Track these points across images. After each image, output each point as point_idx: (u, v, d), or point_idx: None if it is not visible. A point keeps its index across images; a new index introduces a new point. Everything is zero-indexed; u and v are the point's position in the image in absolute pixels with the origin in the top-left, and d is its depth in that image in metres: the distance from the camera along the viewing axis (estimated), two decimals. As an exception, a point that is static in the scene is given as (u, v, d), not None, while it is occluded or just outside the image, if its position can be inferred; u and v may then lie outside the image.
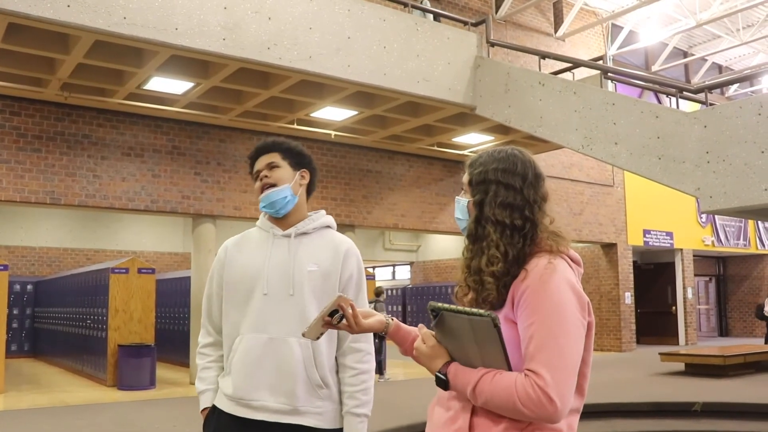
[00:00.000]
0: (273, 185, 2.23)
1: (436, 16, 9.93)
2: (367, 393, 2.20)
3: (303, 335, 1.77)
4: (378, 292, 11.29)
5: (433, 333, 1.55)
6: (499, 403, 1.43)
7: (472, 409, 1.52)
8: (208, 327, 2.30)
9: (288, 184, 2.23)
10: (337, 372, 2.23)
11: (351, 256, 2.23)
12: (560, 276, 1.50)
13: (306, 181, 2.30)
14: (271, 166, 2.25)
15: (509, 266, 1.54)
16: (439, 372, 1.53)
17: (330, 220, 2.32)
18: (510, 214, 1.57)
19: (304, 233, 2.24)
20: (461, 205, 1.69)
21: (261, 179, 2.25)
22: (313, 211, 2.32)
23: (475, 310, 1.44)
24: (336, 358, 2.23)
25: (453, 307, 1.48)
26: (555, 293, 1.47)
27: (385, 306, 12.12)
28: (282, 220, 2.26)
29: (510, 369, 1.45)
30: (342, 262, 2.21)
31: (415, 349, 1.58)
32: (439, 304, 1.50)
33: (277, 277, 2.16)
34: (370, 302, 12.23)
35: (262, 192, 2.25)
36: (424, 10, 9.69)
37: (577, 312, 1.49)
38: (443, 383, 1.52)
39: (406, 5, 9.36)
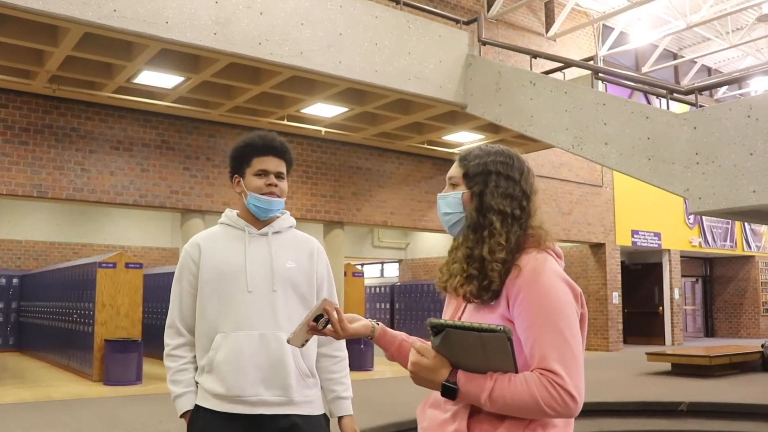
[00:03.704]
0: (278, 196, 2.28)
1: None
2: (348, 377, 2.38)
3: (288, 342, 1.76)
4: None
5: (434, 346, 1.49)
6: (519, 406, 1.42)
7: (470, 410, 1.50)
8: (179, 327, 2.29)
9: (284, 199, 2.32)
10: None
11: (321, 253, 2.38)
12: (551, 270, 1.52)
13: None
14: (280, 177, 2.29)
15: (511, 253, 1.57)
16: (446, 381, 1.47)
17: (293, 220, 2.42)
18: (510, 204, 1.61)
19: (278, 232, 2.33)
20: (450, 199, 1.68)
21: (271, 184, 2.27)
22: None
23: (484, 325, 1.41)
24: None
25: (459, 323, 1.45)
26: (550, 288, 1.49)
27: None
28: (257, 219, 2.31)
29: (517, 372, 1.44)
30: (316, 258, 2.34)
31: (413, 364, 1.51)
32: (442, 321, 1.46)
33: (259, 274, 2.22)
34: None
35: (263, 194, 2.26)
36: None
37: (573, 304, 1.52)
38: (452, 392, 1.46)
39: (398, 2, 9.34)
